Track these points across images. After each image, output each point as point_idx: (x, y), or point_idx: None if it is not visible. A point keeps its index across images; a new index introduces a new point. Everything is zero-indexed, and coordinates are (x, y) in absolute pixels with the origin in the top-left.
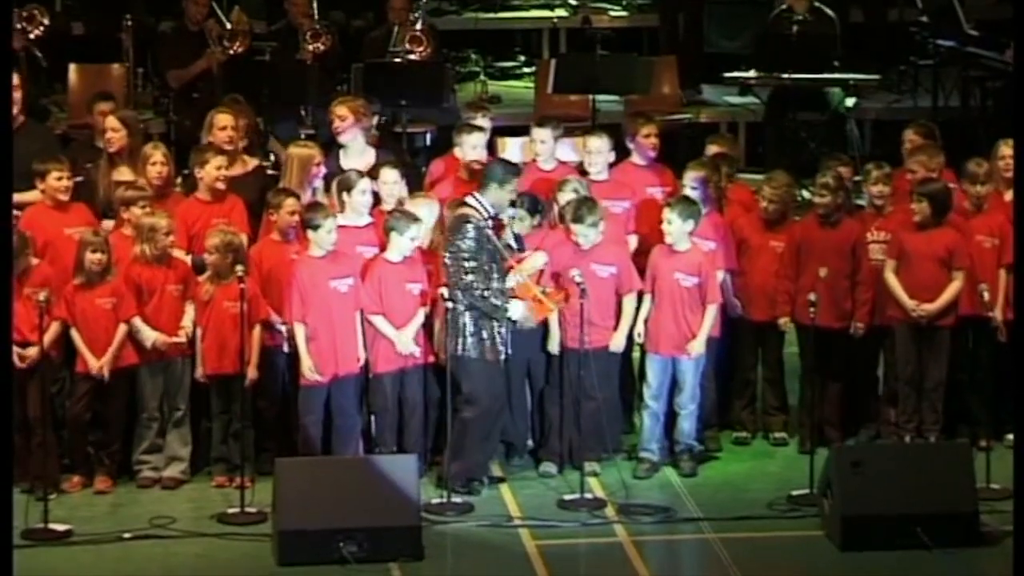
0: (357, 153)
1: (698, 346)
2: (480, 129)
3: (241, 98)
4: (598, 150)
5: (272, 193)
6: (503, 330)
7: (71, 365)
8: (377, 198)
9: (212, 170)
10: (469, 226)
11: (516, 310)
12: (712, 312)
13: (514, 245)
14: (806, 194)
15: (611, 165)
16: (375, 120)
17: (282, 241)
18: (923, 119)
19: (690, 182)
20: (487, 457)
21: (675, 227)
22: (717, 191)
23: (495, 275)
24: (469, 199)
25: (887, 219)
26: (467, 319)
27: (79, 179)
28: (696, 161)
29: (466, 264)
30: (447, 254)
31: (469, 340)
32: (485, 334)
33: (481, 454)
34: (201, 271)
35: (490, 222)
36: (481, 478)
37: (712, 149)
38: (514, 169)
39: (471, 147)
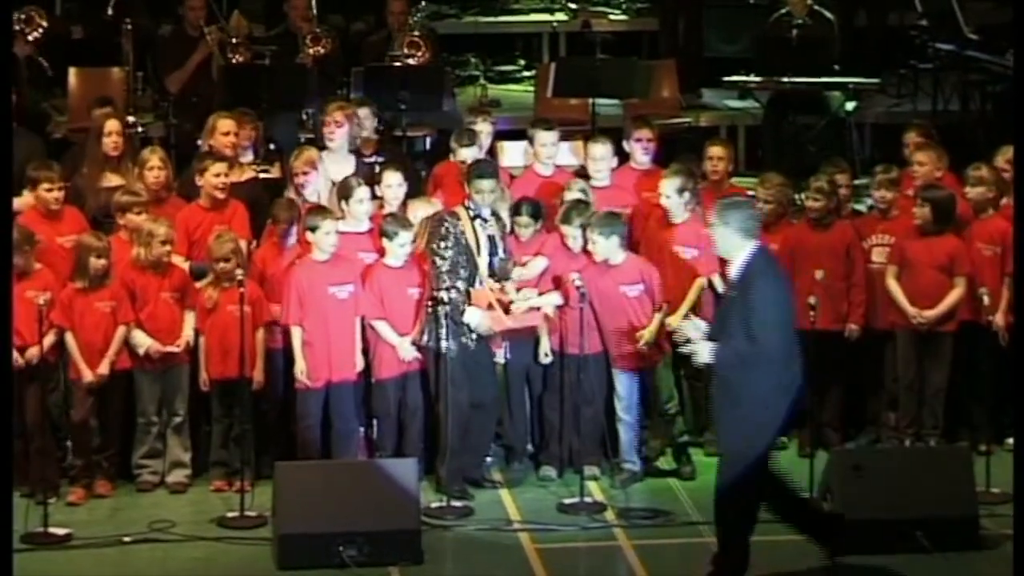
0: (340, 160)
1: (648, 335)
2: (471, 146)
3: (250, 111)
4: (602, 156)
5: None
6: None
7: (67, 370)
8: (379, 202)
9: (211, 177)
10: (443, 226)
11: (471, 315)
12: (659, 317)
13: (499, 247)
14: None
15: (612, 170)
16: (372, 125)
17: (283, 246)
18: (923, 122)
19: (665, 191)
20: (476, 457)
21: (600, 246)
22: (697, 197)
23: (462, 276)
24: (465, 202)
25: (892, 222)
26: (444, 317)
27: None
28: (670, 169)
29: (438, 262)
30: (428, 252)
31: (446, 337)
32: (462, 332)
33: (467, 454)
34: (199, 277)
35: (478, 221)
36: (474, 479)
37: (713, 151)
38: (487, 166)
39: (462, 160)
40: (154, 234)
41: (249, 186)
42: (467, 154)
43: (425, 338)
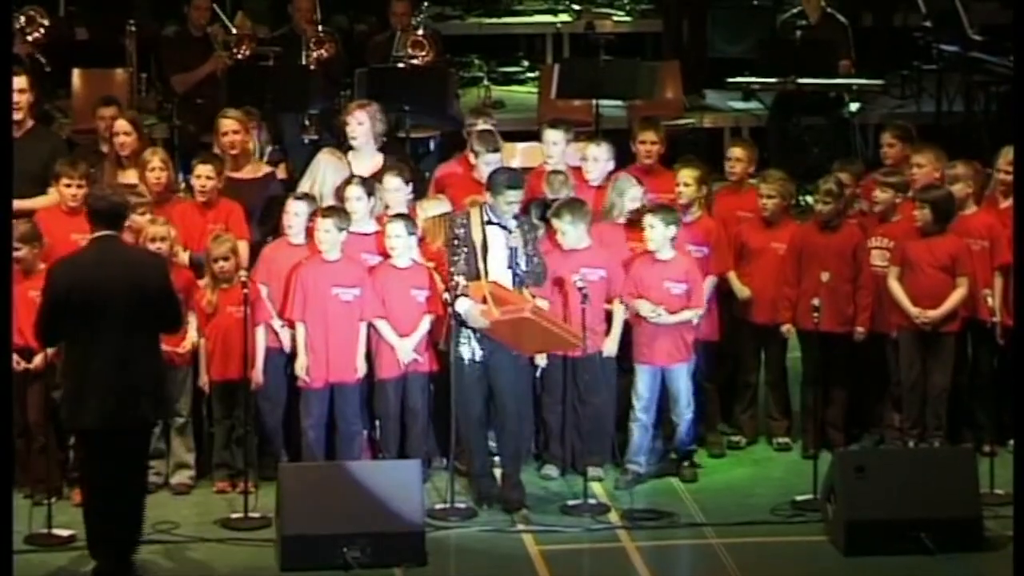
0: (367, 157)
1: (664, 316)
2: (497, 151)
3: (255, 110)
4: (595, 157)
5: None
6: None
7: None
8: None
9: (194, 179)
10: (454, 226)
11: (462, 305)
12: (689, 314)
13: (521, 259)
14: (809, 199)
15: (615, 170)
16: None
17: (292, 243)
18: (926, 124)
19: (684, 179)
20: (482, 468)
21: (658, 232)
22: (708, 195)
23: (461, 273)
24: (483, 207)
25: (891, 226)
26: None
27: None
28: (688, 159)
29: (453, 263)
30: (446, 254)
31: (460, 340)
32: (475, 335)
33: (474, 464)
34: (199, 268)
35: (494, 228)
36: (485, 494)
37: (734, 152)
38: (510, 179)
39: (485, 164)
40: (155, 236)
41: (255, 186)
42: (492, 159)
43: (443, 343)
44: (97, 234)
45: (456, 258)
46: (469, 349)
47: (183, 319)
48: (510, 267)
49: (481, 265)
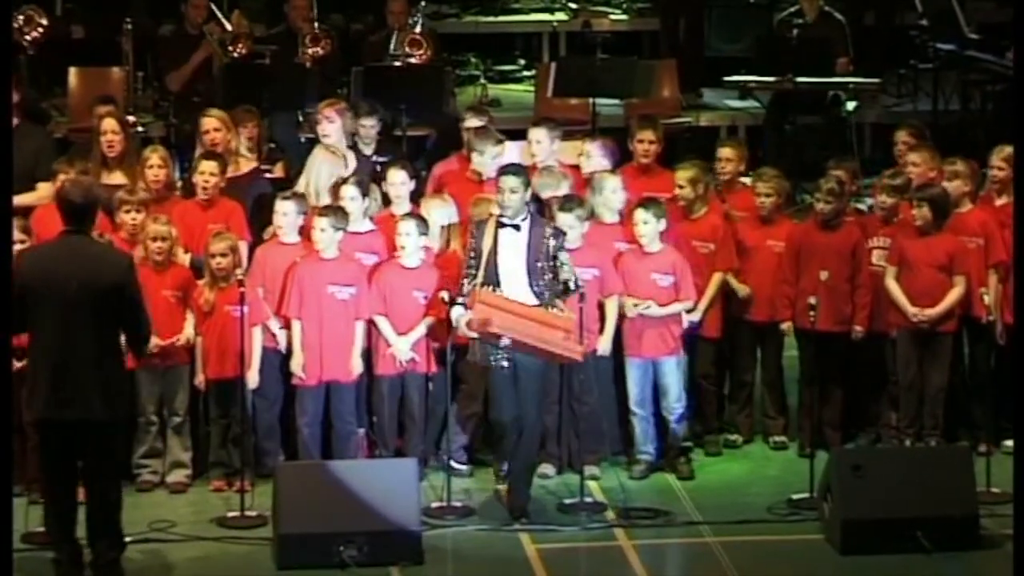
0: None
1: (642, 307)
2: (500, 143)
3: (252, 108)
4: (590, 154)
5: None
6: None
7: None
8: (386, 200)
9: (197, 176)
10: (472, 233)
11: (454, 311)
12: (679, 306)
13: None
14: (807, 198)
15: (616, 167)
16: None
17: (284, 243)
18: (923, 122)
19: (679, 180)
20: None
21: (650, 227)
22: (716, 193)
23: (469, 277)
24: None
25: (893, 226)
26: None
27: None
28: (685, 161)
29: (465, 269)
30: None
31: (476, 343)
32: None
33: (512, 471)
34: (199, 271)
35: (508, 231)
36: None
37: (723, 152)
38: (502, 171)
39: (484, 160)
40: (152, 235)
41: (243, 184)
42: (493, 152)
43: (472, 352)
44: (65, 229)
45: (470, 266)
46: (501, 354)
47: (147, 325)
48: (529, 273)
49: (483, 273)
